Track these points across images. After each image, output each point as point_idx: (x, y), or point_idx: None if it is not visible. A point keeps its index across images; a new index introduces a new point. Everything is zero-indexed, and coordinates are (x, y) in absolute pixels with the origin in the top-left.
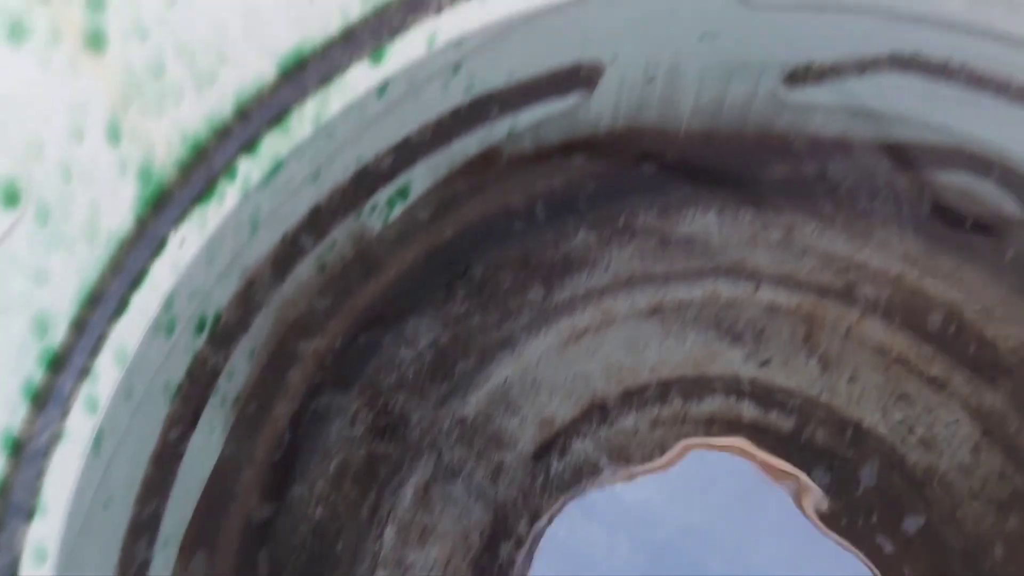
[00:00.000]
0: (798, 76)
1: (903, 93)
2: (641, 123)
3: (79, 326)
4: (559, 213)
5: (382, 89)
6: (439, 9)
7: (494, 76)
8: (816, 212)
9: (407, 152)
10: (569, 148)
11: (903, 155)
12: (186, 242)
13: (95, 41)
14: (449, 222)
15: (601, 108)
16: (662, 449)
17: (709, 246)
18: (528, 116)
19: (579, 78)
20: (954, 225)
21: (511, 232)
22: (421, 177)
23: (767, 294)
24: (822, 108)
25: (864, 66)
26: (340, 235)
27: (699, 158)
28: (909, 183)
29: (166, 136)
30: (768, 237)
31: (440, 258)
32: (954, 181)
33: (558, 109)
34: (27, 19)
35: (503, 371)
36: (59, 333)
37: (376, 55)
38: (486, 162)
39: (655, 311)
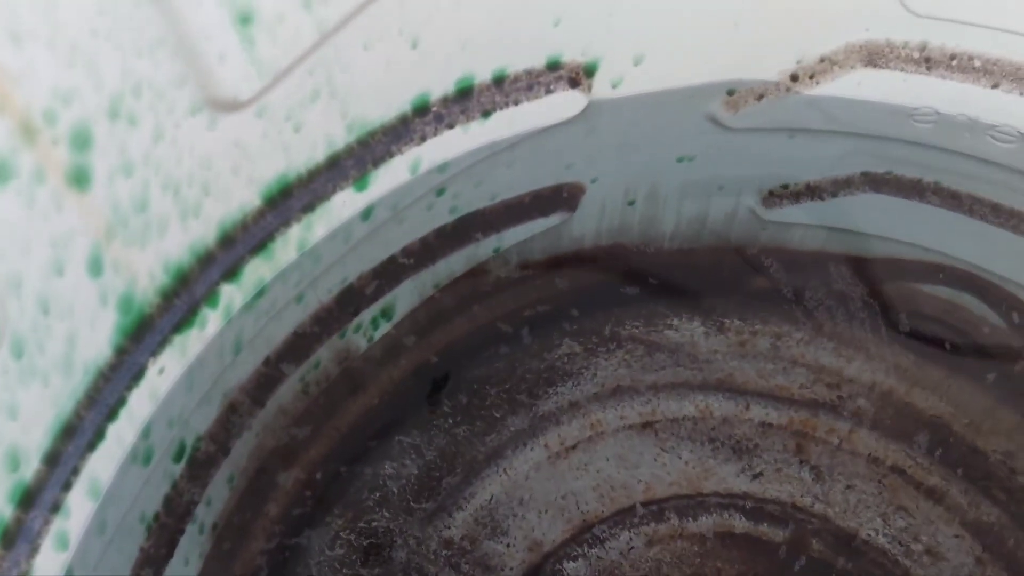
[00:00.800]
0: (776, 195)
1: (878, 210)
2: (625, 240)
3: (52, 459)
4: (545, 325)
5: (367, 213)
6: (423, 138)
7: (478, 197)
8: (802, 323)
9: (392, 272)
10: (555, 264)
11: (882, 269)
12: (165, 370)
13: (80, 179)
14: (435, 338)
15: (584, 226)
16: (658, 570)
17: (696, 356)
18: (513, 235)
19: (561, 199)
20: (937, 338)
21: (497, 345)
22: (407, 296)
23: (758, 411)
24: (801, 225)
25: (839, 185)
26: (324, 355)
27: (682, 272)
28: (891, 297)
29: (148, 266)
30: (756, 347)
31: (425, 373)
32: (935, 295)
33: (542, 228)
34: (12, 159)
35: (490, 488)
36: (31, 468)
37: (360, 182)
38: (473, 279)
39: (647, 425)
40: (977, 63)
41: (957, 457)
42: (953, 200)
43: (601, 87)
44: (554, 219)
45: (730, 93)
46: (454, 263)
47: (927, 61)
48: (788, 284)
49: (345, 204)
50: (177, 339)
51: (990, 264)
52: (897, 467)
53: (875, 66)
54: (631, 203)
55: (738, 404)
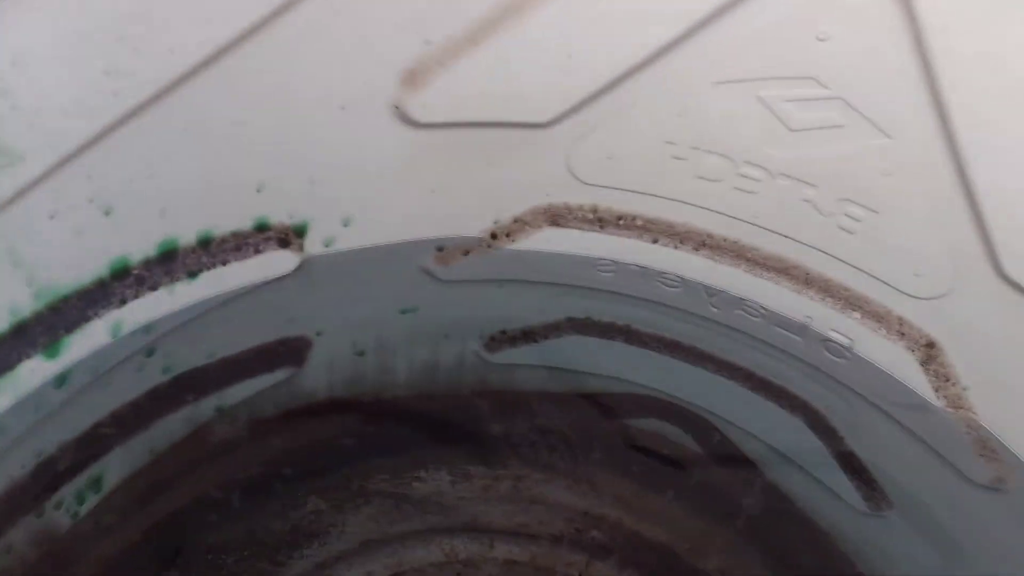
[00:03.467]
0: (496, 340)
1: (586, 350)
2: (359, 390)
3: None
4: (286, 482)
5: (60, 379)
6: (123, 301)
7: (194, 356)
8: (539, 463)
9: (98, 440)
10: (289, 418)
11: (599, 405)
12: None
13: None
14: (157, 507)
15: (316, 379)
16: None
17: (443, 504)
18: (236, 392)
19: (286, 353)
20: (651, 466)
21: (231, 509)
22: (118, 465)
23: (503, 549)
24: (525, 366)
25: (549, 329)
26: (17, 537)
27: (424, 420)
28: (609, 430)
29: None
30: (498, 490)
31: (147, 547)
32: (646, 426)
33: (268, 383)
34: None
35: None
36: None
37: (51, 349)
38: (196, 441)
39: None
40: (639, 222)
41: None
42: (643, 340)
43: (314, 245)
44: (280, 374)
45: (440, 249)
46: (173, 426)
47: (600, 220)
48: (522, 424)
49: (34, 372)
50: None
51: (682, 394)
52: None
53: (558, 225)
54: (360, 354)
55: (483, 544)
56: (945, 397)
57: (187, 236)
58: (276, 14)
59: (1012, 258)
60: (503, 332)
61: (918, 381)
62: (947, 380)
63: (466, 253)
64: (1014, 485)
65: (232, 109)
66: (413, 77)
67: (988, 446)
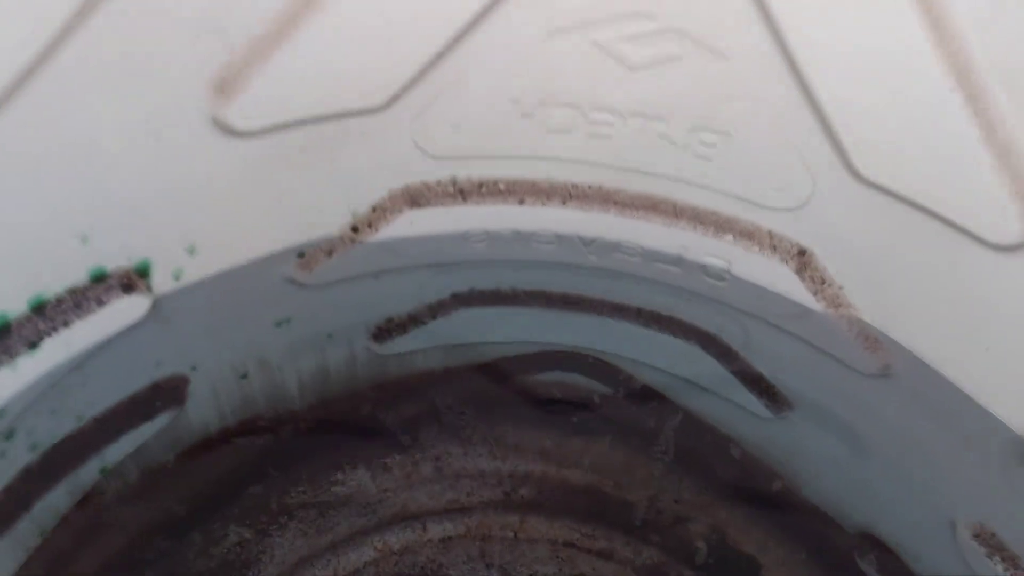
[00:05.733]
0: (384, 330)
1: (477, 322)
2: (253, 412)
3: None
4: (201, 521)
5: None
6: None
7: (61, 425)
8: (456, 438)
9: None
10: (186, 458)
11: (503, 369)
12: None
13: None
14: None
15: (203, 413)
16: None
17: (368, 501)
18: (118, 449)
19: (163, 395)
20: (564, 415)
21: (144, 559)
22: (5, 559)
23: (436, 530)
24: (419, 351)
25: (435, 309)
26: None
27: (327, 425)
28: (518, 390)
29: None
30: (421, 474)
31: None
32: (551, 379)
33: (153, 431)
34: None
35: None
36: None
37: None
38: (87, 509)
39: None
40: (501, 186)
41: (613, 515)
42: (530, 299)
43: (163, 282)
44: (163, 419)
45: (301, 255)
46: (58, 500)
47: (461, 192)
48: (431, 404)
49: None
50: None
51: (580, 342)
52: (568, 542)
53: (419, 206)
54: (244, 376)
55: (415, 530)
56: (824, 299)
57: (17, 307)
58: (55, 44)
59: (863, 159)
60: (389, 321)
61: (796, 289)
62: (823, 283)
63: (330, 254)
64: (899, 369)
65: (41, 151)
66: (224, 85)
67: (871, 337)
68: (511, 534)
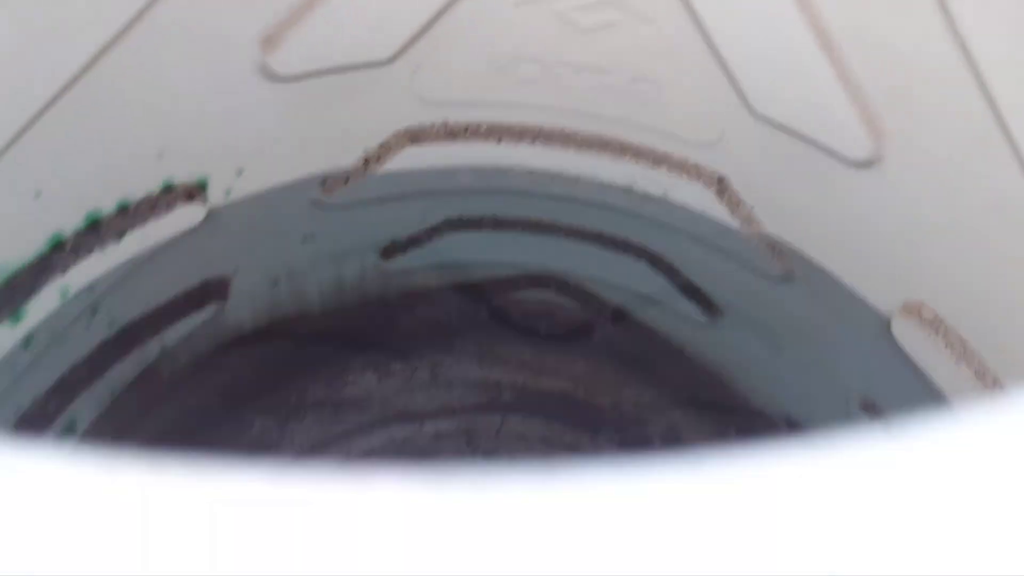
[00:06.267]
0: (389, 250)
1: (466, 245)
2: (280, 315)
3: None
4: (231, 409)
5: (27, 341)
6: (65, 269)
7: (131, 308)
8: (449, 349)
9: (65, 391)
10: (223, 351)
11: (488, 288)
12: None
13: None
14: (124, 442)
15: (239, 312)
16: None
17: (374, 400)
18: (174, 333)
19: (210, 293)
20: (539, 329)
21: (186, 440)
22: (86, 410)
23: (431, 427)
24: (418, 269)
25: (431, 233)
26: None
27: (344, 332)
28: (502, 307)
29: None
30: (419, 379)
31: None
32: (529, 297)
33: (200, 321)
34: None
35: None
36: None
37: (14, 317)
38: (147, 382)
39: (343, 464)
40: (483, 128)
41: (584, 417)
42: (510, 225)
43: (216, 196)
44: (209, 311)
45: (323, 182)
46: (126, 369)
47: (451, 133)
48: (427, 321)
49: (4, 338)
50: None
51: (552, 264)
52: (544, 438)
53: (418, 143)
54: (275, 283)
55: (414, 426)
56: (739, 218)
57: (108, 206)
58: (146, 8)
59: (757, 98)
60: (393, 242)
61: (718, 210)
62: (738, 204)
63: (346, 181)
64: (798, 273)
65: (130, 94)
66: (269, 39)
67: (777, 249)
68: (494, 431)
